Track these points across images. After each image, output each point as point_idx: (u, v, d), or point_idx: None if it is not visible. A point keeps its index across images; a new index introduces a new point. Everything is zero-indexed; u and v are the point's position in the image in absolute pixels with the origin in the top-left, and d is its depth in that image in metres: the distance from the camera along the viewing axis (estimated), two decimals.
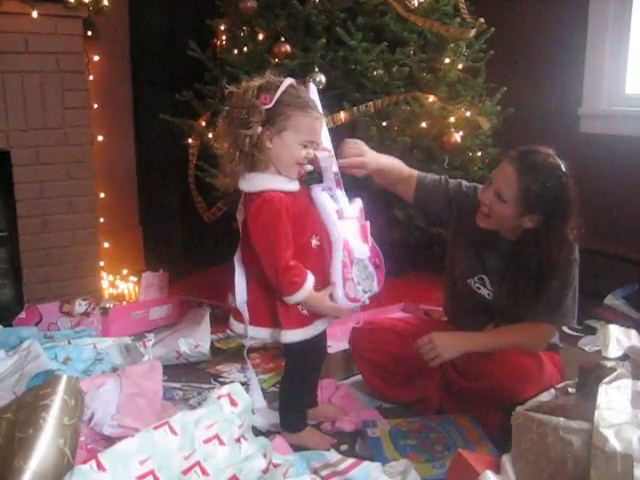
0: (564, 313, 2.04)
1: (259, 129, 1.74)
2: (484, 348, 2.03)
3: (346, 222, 1.88)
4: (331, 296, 1.82)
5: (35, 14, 2.73)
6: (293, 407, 2.01)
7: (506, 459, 1.64)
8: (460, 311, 2.28)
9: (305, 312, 1.84)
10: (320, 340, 1.95)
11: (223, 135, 1.82)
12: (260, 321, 1.86)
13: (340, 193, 1.91)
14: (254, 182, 1.79)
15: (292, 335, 1.83)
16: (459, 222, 2.20)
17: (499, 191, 1.97)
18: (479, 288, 2.16)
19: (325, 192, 1.87)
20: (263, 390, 2.33)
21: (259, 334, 1.89)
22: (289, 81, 1.79)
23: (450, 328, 2.23)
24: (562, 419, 1.55)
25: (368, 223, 1.96)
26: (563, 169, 1.95)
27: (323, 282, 1.83)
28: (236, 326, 1.90)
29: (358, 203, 1.96)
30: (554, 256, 1.97)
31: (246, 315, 1.85)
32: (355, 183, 2.30)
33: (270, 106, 1.73)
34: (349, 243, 1.84)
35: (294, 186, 1.82)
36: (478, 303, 2.17)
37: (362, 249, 1.89)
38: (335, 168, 1.90)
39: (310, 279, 1.78)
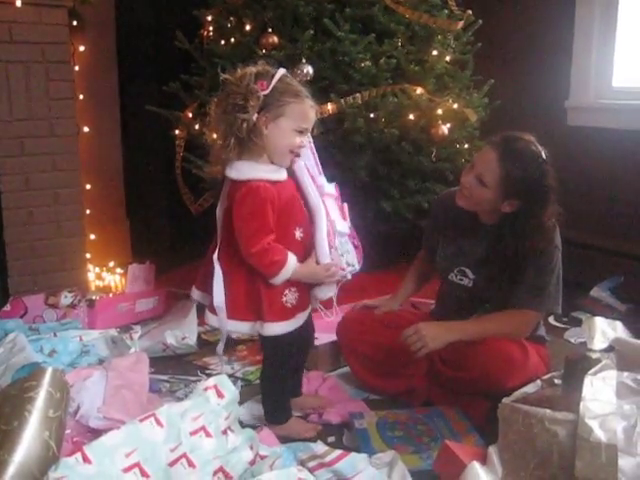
0: (548, 299, 2.06)
1: (255, 115, 1.75)
2: (470, 337, 2.04)
3: (326, 198, 1.92)
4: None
5: (19, 3, 2.69)
6: (275, 399, 2.01)
7: (492, 450, 1.65)
8: (447, 309, 2.29)
9: (289, 305, 1.85)
10: (301, 332, 1.94)
11: (216, 122, 1.83)
12: (240, 315, 1.86)
13: (317, 172, 1.96)
14: (242, 170, 1.80)
15: (274, 328, 1.84)
16: (437, 222, 2.27)
17: (480, 176, 2.00)
18: (461, 280, 2.18)
19: (304, 164, 1.90)
20: (250, 382, 2.34)
21: (238, 328, 1.90)
22: (283, 70, 1.81)
23: (437, 320, 2.23)
24: (548, 410, 1.56)
25: (346, 205, 2.01)
26: (543, 156, 1.98)
27: None
28: (212, 319, 1.89)
29: (334, 186, 2.01)
30: (532, 242, 2.00)
31: (223, 315, 1.84)
32: (342, 176, 2.31)
33: (267, 92, 1.76)
34: (330, 214, 1.88)
35: (282, 175, 1.84)
36: (462, 295, 2.19)
37: (342, 225, 1.94)
38: (313, 149, 1.95)
39: (292, 256, 1.80)
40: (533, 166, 1.96)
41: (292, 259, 1.80)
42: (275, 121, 1.78)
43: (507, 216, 2.04)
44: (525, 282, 2.04)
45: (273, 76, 1.78)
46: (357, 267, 1.96)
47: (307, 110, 1.81)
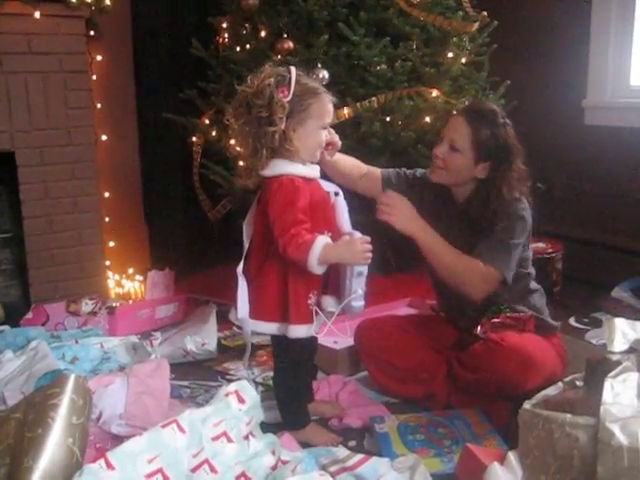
0: (505, 261, 2.02)
1: (283, 124, 1.77)
2: (426, 242, 2.05)
3: None
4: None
5: (37, 15, 2.73)
6: (291, 404, 2.01)
7: (512, 455, 1.64)
8: (442, 295, 2.31)
9: (313, 308, 1.85)
10: (314, 336, 1.95)
11: (242, 136, 1.85)
12: (269, 316, 1.87)
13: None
14: (276, 166, 1.82)
15: (299, 330, 1.84)
16: (422, 205, 2.19)
17: (452, 142, 2.06)
18: None
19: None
20: (271, 387, 2.34)
21: (265, 329, 1.90)
22: (294, 69, 1.82)
23: (450, 323, 2.26)
24: (569, 415, 1.54)
25: None
26: (504, 115, 2.09)
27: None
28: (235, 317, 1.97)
29: None
30: (501, 200, 2.02)
31: (247, 328, 1.89)
32: None
33: (289, 98, 1.77)
34: None
35: (314, 172, 1.88)
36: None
37: None
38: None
39: (321, 236, 1.76)
40: (498, 123, 2.05)
41: (321, 237, 1.76)
42: (302, 124, 1.80)
43: (478, 187, 2.08)
44: (491, 239, 2.04)
45: (290, 80, 1.78)
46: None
47: (327, 105, 1.84)
